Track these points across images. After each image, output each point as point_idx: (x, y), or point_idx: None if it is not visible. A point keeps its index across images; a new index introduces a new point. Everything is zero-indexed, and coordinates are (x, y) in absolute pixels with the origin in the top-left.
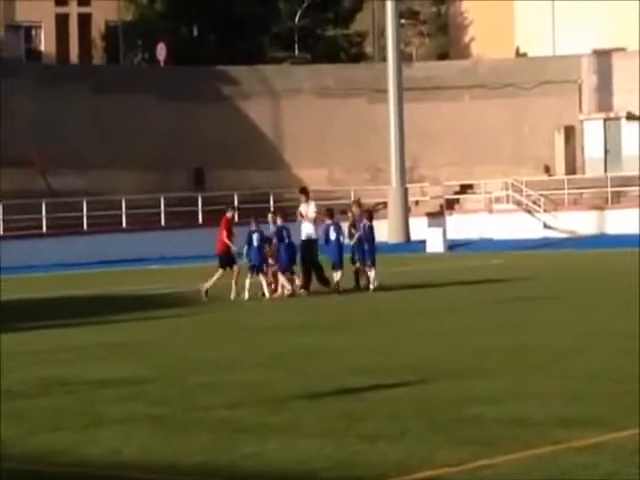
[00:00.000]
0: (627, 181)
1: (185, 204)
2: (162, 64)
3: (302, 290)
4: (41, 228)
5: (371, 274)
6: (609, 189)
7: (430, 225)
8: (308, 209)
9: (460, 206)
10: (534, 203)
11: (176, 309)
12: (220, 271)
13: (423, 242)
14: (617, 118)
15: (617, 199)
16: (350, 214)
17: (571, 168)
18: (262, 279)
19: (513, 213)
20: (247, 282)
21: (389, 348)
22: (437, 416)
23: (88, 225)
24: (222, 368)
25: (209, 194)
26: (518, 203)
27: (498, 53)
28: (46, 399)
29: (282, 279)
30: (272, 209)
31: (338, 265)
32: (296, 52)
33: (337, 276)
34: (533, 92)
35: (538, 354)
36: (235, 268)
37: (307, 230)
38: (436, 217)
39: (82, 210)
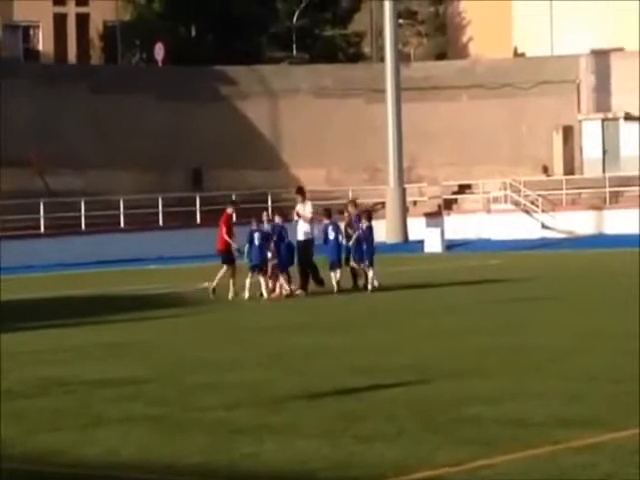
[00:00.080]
0: (625, 181)
1: (183, 204)
2: (160, 64)
3: (300, 291)
4: (39, 228)
5: (369, 274)
6: (607, 189)
7: (428, 225)
8: (304, 209)
9: (458, 206)
10: (532, 203)
11: (174, 309)
12: (224, 267)
13: (421, 242)
14: (615, 118)
15: (615, 199)
16: (346, 214)
17: (569, 168)
18: (261, 279)
19: (511, 213)
20: (247, 281)
21: (387, 348)
22: (436, 416)
23: (86, 225)
24: (220, 368)
25: (207, 194)
26: (516, 203)
27: (496, 53)
28: (44, 399)
29: (281, 279)
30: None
31: (337, 265)
32: (294, 52)
33: (337, 276)
34: (531, 92)
35: (537, 354)
36: (233, 267)
37: (303, 230)
38: (434, 217)
39: (80, 210)
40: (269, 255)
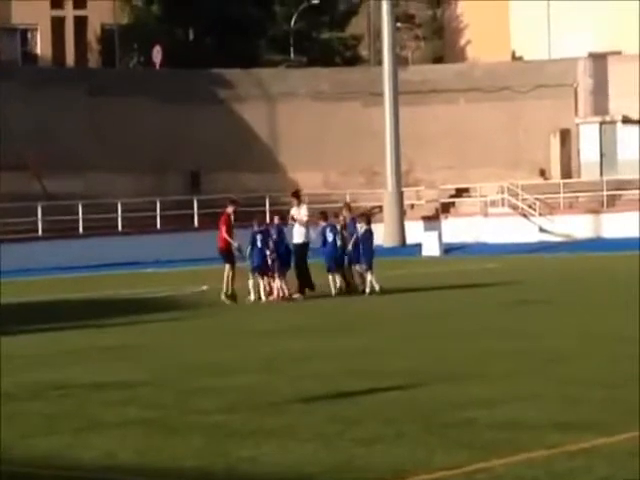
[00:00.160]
0: (623, 185)
1: (181, 207)
2: (158, 67)
3: (298, 294)
4: (37, 231)
5: (368, 277)
6: (605, 193)
7: (426, 229)
8: (300, 213)
9: (456, 210)
10: (530, 207)
11: (171, 312)
12: (227, 267)
13: (419, 246)
14: (613, 122)
15: (613, 203)
16: (341, 218)
17: (567, 172)
18: (260, 282)
19: (509, 217)
20: (250, 283)
21: (384, 351)
22: (432, 419)
23: (84, 228)
24: (217, 372)
25: (205, 197)
26: (514, 207)
27: (494, 56)
28: (41, 402)
29: (278, 281)
30: (268, 211)
31: (335, 267)
32: (292, 55)
33: (335, 278)
34: (529, 95)
35: (534, 358)
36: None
37: (299, 234)
38: (432, 221)
39: (78, 213)
40: (268, 253)
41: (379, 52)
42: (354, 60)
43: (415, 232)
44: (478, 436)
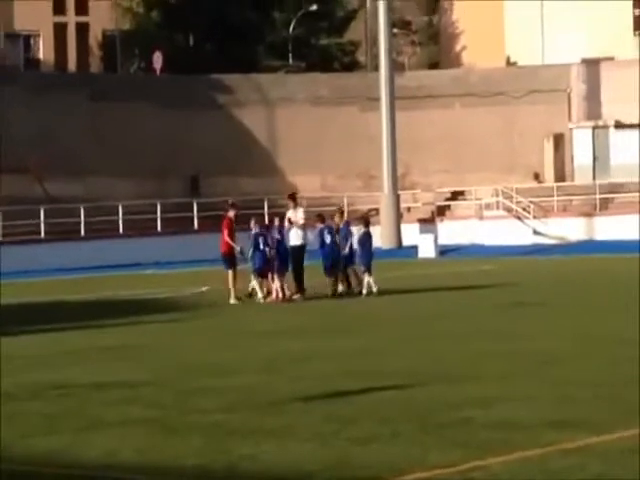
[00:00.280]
0: (615, 188)
1: (181, 210)
2: (158, 72)
3: (297, 295)
4: (39, 234)
5: (366, 279)
6: (598, 196)
7: (422, 231)
8: (296, 215)
9: (451, 212)
10: (524, 210)
11: (171, 313)
12: (230, 273)
13: (415, 248)
14: (605, 126)
15: (606, 206)
16: (334, 223)
17: (560, 175)
18: (260, 283)
19: (503, 219)
20: (255, 284)
21: (382, 352)
22: (429, 419)
23: (85, 231)
24: (217, 372)
25: (204, 200)
26: (508, 210)
27: (489, 62)
28: (43, 402)
29: (277, 283)
30: (267, 215)
31: (332, 269)
32: (290, 61)
33: (333, 280)
34: (523, 101)
35: (529, 358)
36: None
37: (295, 236)
38: (428, 223)
39: (80, 216)
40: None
41: (376, 58)
42: (352, 66)
43: (411, 234)
44: (474, 435)
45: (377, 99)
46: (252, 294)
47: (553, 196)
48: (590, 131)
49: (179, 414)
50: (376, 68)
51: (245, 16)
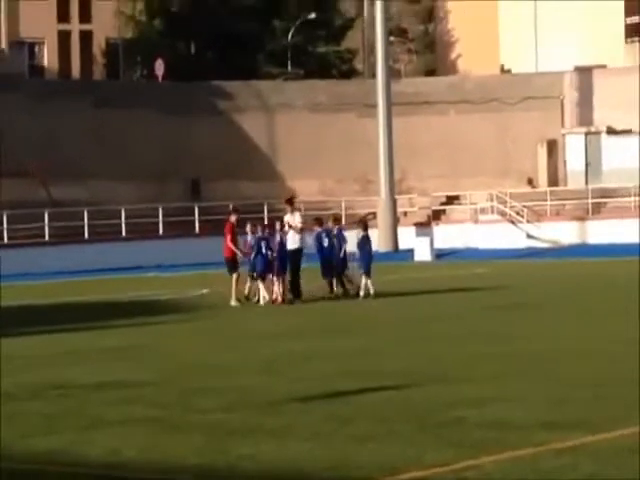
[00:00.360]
0: (607, 193)
1: (182, 214)
2: (160, 80)
3: (295, 298)
4: (44, 237)
5: (363, 281)
6: (590, 200)
7: (418, 235)
8: (294, 219)
9: (447, 216)
10: (518, 214)
11: (173, 315)
12: (234, 276)
13: (411, 251)
14: (597, 132)
15: (598, 210)
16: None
17: (553, 180)
18: (261, 286)
19: (498, 223)
20: (260, 286)
21: (378, 353)
22: (424, 419)
23: (89, 234)
24: (217, 373)
25: (205, 204)
26: (502, 214)
27: (483, 70)
28: (47, 401)
29: (276, 285)
30: (266, 218)
31: (330, 272)
32: (289, 68)
33: (331, 283)
34: (517, 107)
35: (522, 359)
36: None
37: (292, 240)
38: (424, 227)
39: (83, 219)
40: (270, 255)
41: (373, 65)
42: (349, 73)
43: (408, 238)
44: (468, 435)
45: (374, 105)
46: (249, 297)
47: (546, 201)
48: (582, 137)
49: (180, 414)
50: (373, 75)
51: (245, 25)
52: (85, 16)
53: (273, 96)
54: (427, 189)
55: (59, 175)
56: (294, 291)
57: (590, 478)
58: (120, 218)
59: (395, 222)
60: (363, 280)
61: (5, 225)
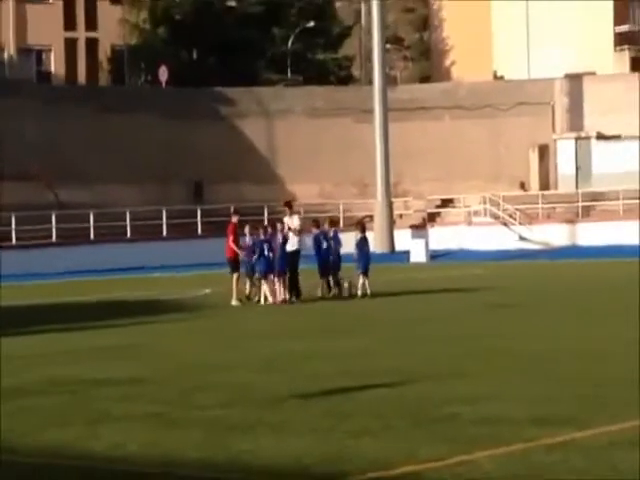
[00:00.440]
0: (597, 196)
1: (185, 216)
2: (164, 85)
3: (294, 298)
4: (51, 238)
5: (361, 281)
6: (580, 204)
7: (413, 236)
8: (292, 222)
9: (441, 219)
10: (510, 217)
11: (176, 314)
12: (235, 276)
13: (407, 252)
14: (587, 137)
15: (587, 213)
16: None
17: (545, 184)
18: (263, 286)
19: (491, 226)
20: (265, 288)
21: (375, 352)
22: (419, 415)
23: (94, 235)
24: (218, 370)
25: (207, 207)
26: (495, 216)
27: (477, 76)
28: (53, 397)
29: (277, 285)
30: (267, 221)
31: (328, 273)
32: (289, 75)
33: (329, 283)
34: (509, 113)
35: (515, 358)
36: (238, 274)
37: (291, 242)
38: (419, 229)
39: (89, 221)
40: (271, 257)
41: (370, 72)
42: (347, 79)
43: (403, 240)
44: (461, 430)
45: (371, 111)
46: (250, 296)
47: (538, 204)
48: (573, 142)
49: (181, 410)
50: (370, 82)
51: (246, 32)
52: (91, 24)
53: (273, 102)
54: (422, 192)
55: (65, 178)
56: (293, 291)
57: (580, 472)
58: (125, 220)
59: (391, 224)
60: (361, 280)
61: (13, 226)
